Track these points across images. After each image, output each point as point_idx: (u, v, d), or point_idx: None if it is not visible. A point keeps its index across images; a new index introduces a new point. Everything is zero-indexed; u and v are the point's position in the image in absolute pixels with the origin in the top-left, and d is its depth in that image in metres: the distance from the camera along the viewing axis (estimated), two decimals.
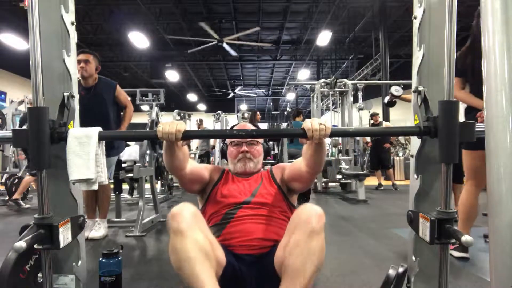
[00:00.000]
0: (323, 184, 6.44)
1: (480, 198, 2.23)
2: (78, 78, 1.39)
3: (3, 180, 5.78)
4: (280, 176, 1.58)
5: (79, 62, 2.82)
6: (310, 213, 1.22)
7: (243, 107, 21.25)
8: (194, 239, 1.17)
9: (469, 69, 2.11)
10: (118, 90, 3.09)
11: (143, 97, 5.60)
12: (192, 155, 7.65)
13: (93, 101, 2.92)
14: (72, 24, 1.26)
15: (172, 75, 14.80)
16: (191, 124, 9.41)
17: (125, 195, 5.18)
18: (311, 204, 1.26)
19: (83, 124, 1.37)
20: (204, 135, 1.43)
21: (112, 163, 3.05)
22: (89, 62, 2.91)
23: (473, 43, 2.11)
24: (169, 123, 1.22)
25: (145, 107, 9.18)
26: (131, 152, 3.61)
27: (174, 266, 1.19)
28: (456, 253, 2.24)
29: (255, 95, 20.98)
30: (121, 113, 3.21)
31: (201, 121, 8.69)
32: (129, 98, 3.22)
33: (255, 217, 1.44)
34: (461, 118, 1.12)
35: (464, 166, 2.25)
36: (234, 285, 1.32)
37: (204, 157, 7.95)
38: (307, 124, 1.21)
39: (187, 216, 1.20)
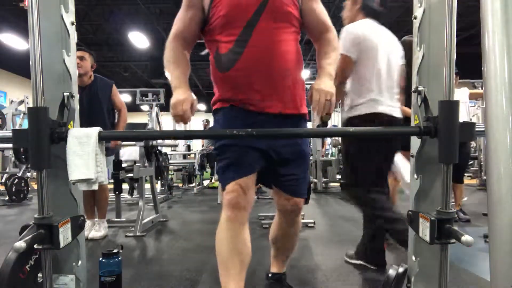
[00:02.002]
0: (323, 184, 6.43)
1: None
2: None
3: (3, 180, 5.78)
4: None
5: None
6: (296, 207, 1.46)
7: None
8: (238, 232, 1.28)
9: None
10: (114, 90, 3.07)
11: (143, 97, 5.60)
12: (193, 155, 7.64)
13: (88, 100, 2.88)
14: (72, 24, 1.26)
15: None
16: (191, 124, 9.44)
17: (125, 195, 5.18)
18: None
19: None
20: (204, 135, 1.43)
21: (108, 163, 3.05)
22: (84, 59, 2.87)
23: None
24: (173, 107, 1.29)
25: (145, 107, 9.20)
26: (131, 152, 3.61)
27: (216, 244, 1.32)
28: None
29: None
30: (116, 113, 3.20)
31: (207, 121, 8.81)
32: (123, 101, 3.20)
33: (268, 51, 1.30)
34: None
35: None
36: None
37: (205, 157, 7.94)
38: (316, 96, 1.24)
39: (240, 210, 1.28)
